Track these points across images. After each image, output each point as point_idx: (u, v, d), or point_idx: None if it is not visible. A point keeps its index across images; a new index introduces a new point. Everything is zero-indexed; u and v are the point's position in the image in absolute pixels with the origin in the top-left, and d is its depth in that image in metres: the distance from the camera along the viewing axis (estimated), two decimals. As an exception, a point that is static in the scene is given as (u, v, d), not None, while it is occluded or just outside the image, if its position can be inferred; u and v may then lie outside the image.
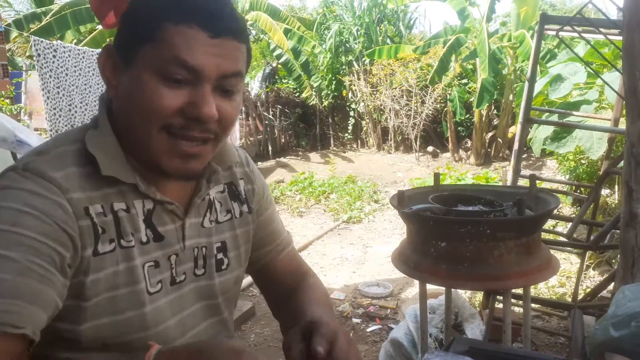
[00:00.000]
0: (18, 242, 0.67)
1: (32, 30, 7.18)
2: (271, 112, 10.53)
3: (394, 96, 9.77)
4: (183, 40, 0.72)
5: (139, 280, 0.79)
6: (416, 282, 3.98)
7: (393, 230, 5.85)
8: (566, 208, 5.39)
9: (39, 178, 0.72)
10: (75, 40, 7.90)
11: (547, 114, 3.47)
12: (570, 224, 2.68)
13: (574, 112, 3.36)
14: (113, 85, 0.78)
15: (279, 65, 10.80)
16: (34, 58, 4.16)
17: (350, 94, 10.67)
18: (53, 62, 4.11)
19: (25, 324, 0.67)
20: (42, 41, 4.13)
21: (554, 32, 2.68)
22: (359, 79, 10.31)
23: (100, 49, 5.76)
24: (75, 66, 4.33)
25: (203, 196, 0.89)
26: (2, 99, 3.85)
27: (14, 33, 7.47)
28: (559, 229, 4.58)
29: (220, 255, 0.92)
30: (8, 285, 0.66)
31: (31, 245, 0.68)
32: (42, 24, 7.41)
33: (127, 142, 0.80)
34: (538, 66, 3.03)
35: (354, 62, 10.62)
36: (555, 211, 2.14)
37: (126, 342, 0.78)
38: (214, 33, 0.73)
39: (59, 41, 4.66)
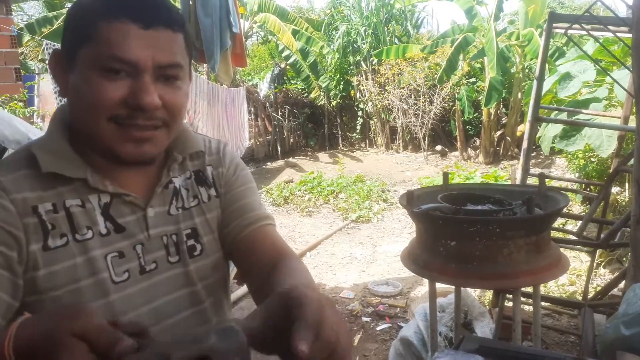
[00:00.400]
0: None
1: (44, 34, 7.27)
2: (280, 113, 10.56)
3: (402, 96, 9.76)
4: (116, 36, 0.75)
5: (100, 270, 0.81)
6: (426, 281, 3.99)
7: (402, 230, 5.85)
8: (576, 206, 5.36)
9: None
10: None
11: (556, 112, 3.46)
12: (580, 222, 2.68)
13: (583, 110, 3.35)
14: (63, 87, 0.82)
15: (288, 66, 10.83)
16: (47, 61, 4.22)
17: (358, 94, 10.68)
18: (65, 66, 4.17)
19: None
20: (54, 45, 4.19)
21: (562, 31, 2.68)
22: (366, 79, 10.31)
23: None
24: (86, 69, 4.39)
25: (164, 184, 0.90)
26: (16, 102, 3.89)
27: (26, 37, 7.57)
28: (569, 227, 4.56)
29: (191, 242, 0.92)
30: None
31: None
32: (54, 27, 7.49)
33: (82, 137, 0.83)
34: (547, 64, 3.02)
35: (362, 62, 10.63)
36: (565, 209, 2.14)
37: None
38: (145, 24, 0.76)
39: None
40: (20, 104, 3.93)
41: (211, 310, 0.95)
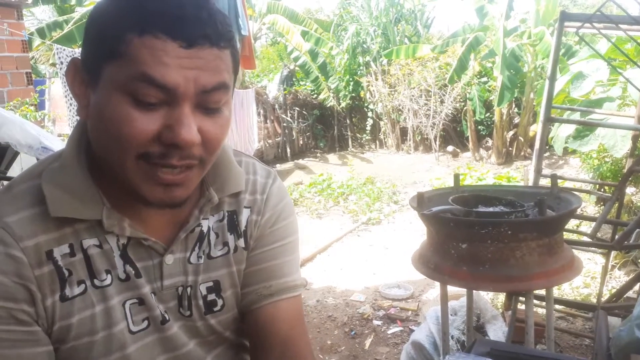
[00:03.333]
0: None
1: (54, 38, 7.34)
2: (289, 114, 10.57)
3: (413, 96, 9.72)
4: (149, 54, 0.61)
5: (117, 321, 0.73)
6: (437, 284, 3.96)
7: (413, 232, 5.82)
8: (590, 207, 5.30)
9: None
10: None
11: (569, 112, 3.42)
12: (594, 223, 2.64)
13: (597, 110, 3.31)
14: (84, 105, 0.68)
15: (297, 68, 10.83)
16: (57, 66, 4.25)
17: (368, 95, 10.65)
18: (75, 70, 4.20)
19: None
20: (64, 49, 4.22)
21: (574, 30, 2.64)
22: (376, 79, 10.29)
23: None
24: (97, 73, 4.42)
25: (190, 229, 0.78)
26: (27, 105, 3.93)
27: (37, 41, 7.64)
28: (583, 228, 4.50)
29: (212, 297, 0.81)
30: None
31: None
32: (64, 32, 7.56)
33: (102, 165, 0.71)
34: (558, 64, 2.98)
35: (372, 63, 10.60)
36: (578, 210, 2.10)
37: None
38: (187, 42, 0.62)
39: (80, 49, 4.74)
40: (32, 107, 3.97)
41: (228, 354, 0.88)
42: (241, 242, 0.83)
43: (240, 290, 0.84)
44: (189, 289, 0.79)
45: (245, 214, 0.84)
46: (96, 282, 0.72)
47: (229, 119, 0.70)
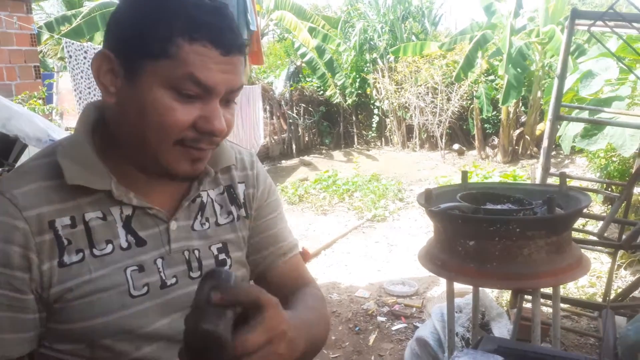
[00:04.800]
0: None
1: (62, 32, 7.36)
2: (295, 111, 10.56)
3: (419, 93, 9.70)
4: (198, 59, 0.72)
5: (118, 284, 0.79)
6: (442, 281, 3.96)
7: (418, 229, 5.82)
8: (597, 206, 5.28)
9: (1, 197, 0.76)
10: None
11: (578, 110, 3.40)
12: (601, 222, 2.63)
13: (606, 109, 3.29)
14: (111, 93, 0.77)
15: (303, 64, 10.82)
16: (66, 59, 4.26)
17: (374, 92, 10.63)
18: (84, 64, 4.21)
19: None
20: (73, 43, 4.23)
21: (585, 28, 2.63)
22: (383, 76, 10.26)
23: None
24: (104, 67, 4.42)
25: (192, 198, 0.88)
26: (35, 99, 3.95)
27: (45, 35, 7.67)
28: (590, 227, 4.49)
29: (222, 256, 0.91)
30: None
31: None
32: (73, 26, 7.59)
33: (123, 147, 0.80)
34: (568, 62, 2.97)
35: (379, 60, 10.58)
36: (585, 210, 2.10)
37: (112, 342, 0.79)
38: (225, 51, 0.74)
39: (89, 43, 4.76)
40: (40, 101, 3.98)
41: None
42: (242, 212, 0.96)
43: (254, 256, 0.98)
44: (196, 252, 0.88)
45: (241, 188, 0.97)
46: (95, 251, 0.79)
47: (234, 108, 0.84)
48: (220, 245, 0.91)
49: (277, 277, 0.99)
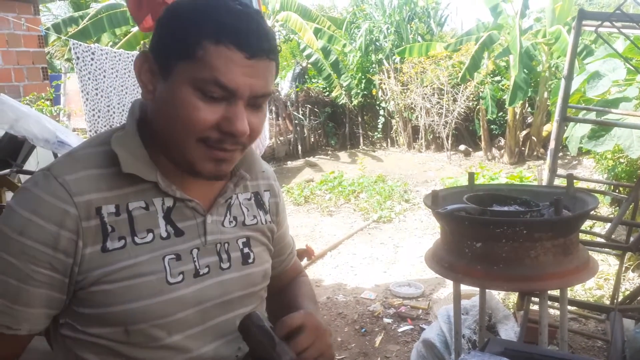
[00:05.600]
0: (22, 251, 0.77)
1: (69, 33, 7.40)
2: (301, 112, 10.57)
3: (425, 94, 9.68)
4: (222, 62, 0.75)
5: (156, 271, 0.83)
6: (448, 282, 3.95)
7: (424, 230, 5.80)
8: (604, 208, 5.25)
9: (54, 181, 0.79)
10: (111, 43, 8.11)
11: (585, 111, 3.38)
12: (609, 224, 2.61)
13: (613, 110, 3.27)
14: (150, 90, 0.82)
15: (309, 65, 10.82)
16: (73, 61, 4.28)
17: (380, 93, 10.62)
18: (91, 65, 4.23)
19: (20, 325, 0.81)
20: (80, 44, 4.25)
21: (592, 28, 2.61)
22: (389, 77, 10.25)
23: (135, 52, 5.87)
24: (112, 68, 4.44)
25: (227, 197, 0.93)
26: (43, 100, 3.97)
27: (53, 37, 7.72)
28: (597, 229, 4.46)
29: (246, 250, 0.96)
30: (10, 289, 0.79)
31: (33, 255, 0.78)
32: (80, 27, 7.63)
33: (157, 141, 0.85)
34: (575, 63, 2.95)
35: (384, 61, 10.57)
36: (593, 211, 2.09)
37: (147, 327, 0.83)
38: (250, 54, 0.76)
39: (96, 44, 4.78)
40: (47, 102, 4.01)
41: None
42: (268, 217, 1.04)
43: (273, 260, 1.06)
44: (226, 245, 0.93)
45: (267, 196, 1.05)
46: (136, 239, 0.83)
47: (266, 113, 0.90)
48: (245, 239, 0.97)
49: (285, 274, 1.16)
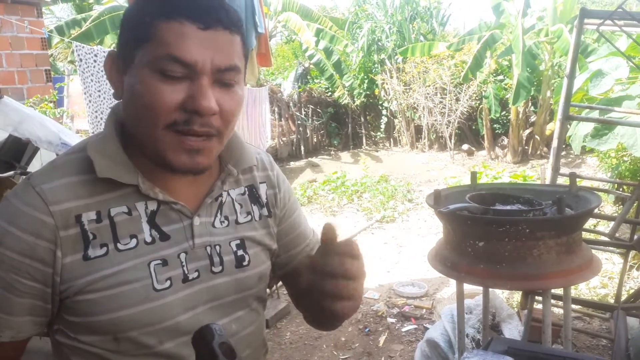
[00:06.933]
0: (2, 261, 0.77)
1: (72, 36, 7.43)
2: (303, 112, 10.58)
3: (428, 94, 9.67)
4: (174, 36, 0.73)
5: (141, 277, 0.81)
6: (452, 282, 3.95)
7: (428, 230, 5.80)
8: (608, 207, 5.24)
9: (32, 190, 0.78)
10: (113, 45, 8.13)
11: (587, 110, 3.38)
12: (613, 223, 2.61)
13: (616, 108, 3.26)
14: (119, 89, 0.81)
15: (311, 65, 10.83)
16: (76, 63, 4.29)
17: (382, 93, 10.62)
18: (94, 67, 4.24)
19: (2, 332, 0.80)
20: (83, 46, 4.26)
21: (594, 27, 2.61)
22: (391, 77, 10.25)
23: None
24: (114, 70, 4.45)
25: (215, 196, 0.89)
26: (46, 102, 3.99)
27: (56, 39, 7.74)
28: (601, 228, 4.45)
29: (240, 252, 0.92)
30: None
31: (12, 264, 0.77)
32: (82, 29, 7.65)
33: (135, 141, 0.82)
34: (577, 61, 2.95)
35: (387, 61, 10.56)
36: (596, 210, 2.09)
37: (137, 335, 0.81)
38: (204, 24, 0.74)
39: (99, 46, 4.79)
40: (51, 104, 4.02)
41: (247, 319, 0.95)
42: (264, 211, 0.98)
43: (284, 255, 1.02)
44: (217, 247, 0.89)
45: (263, 188, 0.99)
46: (119, 245, 0.81)
47: (242, 97, 0.82)
48: (238, 241, 0.92)
49: (300, 273, 1.05)
